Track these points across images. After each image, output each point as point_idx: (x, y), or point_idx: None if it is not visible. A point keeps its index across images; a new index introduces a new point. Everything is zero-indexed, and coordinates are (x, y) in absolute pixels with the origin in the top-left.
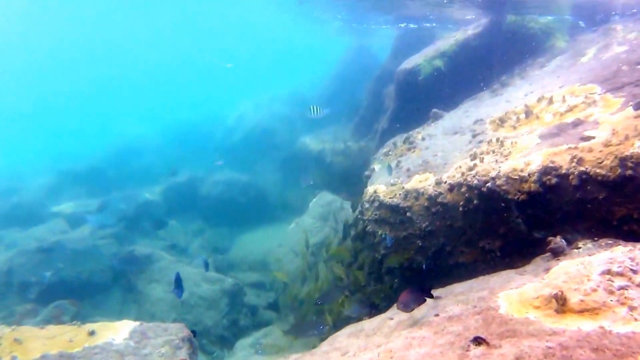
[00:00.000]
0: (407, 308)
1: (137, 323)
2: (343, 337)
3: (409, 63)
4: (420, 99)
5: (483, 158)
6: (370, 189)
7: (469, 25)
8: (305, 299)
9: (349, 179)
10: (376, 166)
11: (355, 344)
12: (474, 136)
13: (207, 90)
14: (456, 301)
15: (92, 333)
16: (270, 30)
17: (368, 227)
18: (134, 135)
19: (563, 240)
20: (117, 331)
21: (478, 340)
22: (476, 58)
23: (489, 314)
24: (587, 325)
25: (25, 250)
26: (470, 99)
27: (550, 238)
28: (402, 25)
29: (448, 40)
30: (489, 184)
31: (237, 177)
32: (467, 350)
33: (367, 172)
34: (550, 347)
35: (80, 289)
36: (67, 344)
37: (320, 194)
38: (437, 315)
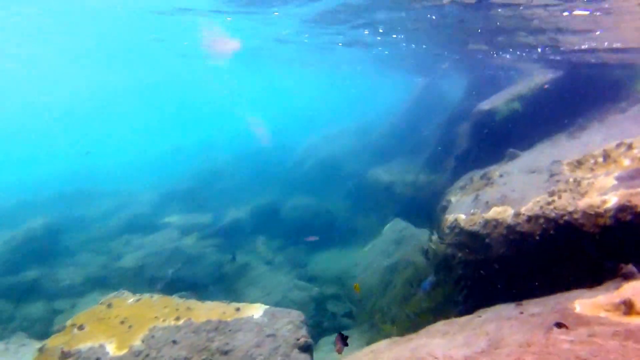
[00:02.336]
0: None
1: (268, 306)
2: (439, 326)
3: (486, 104)
4: (495, 138)
5: (561, 195)
6: (450, 217)
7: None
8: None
9: (419, 209)
10: (452, 198)
11: (451, 330)
12: (551, 175)
13: (278, 122)
14: (535, 304)
15: (238, 310)
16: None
17: (448, 250)
18: (219, 160)
19: (634, 267)
20: (255, 310)
21: (559, 324)
22: (554, 101)
23: (565, 312)
24: None
25: (154, 252)
26: (547, 140)
27: (621, 265)
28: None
29: (526, 84)
30: (566, 217)
31: (310, 203)
32: (550, 330)
33: (443, 203)
34: (617, 330)
35: (192, 285)
36: (221, 315)
37: (394, 221)
38: (521, 313)
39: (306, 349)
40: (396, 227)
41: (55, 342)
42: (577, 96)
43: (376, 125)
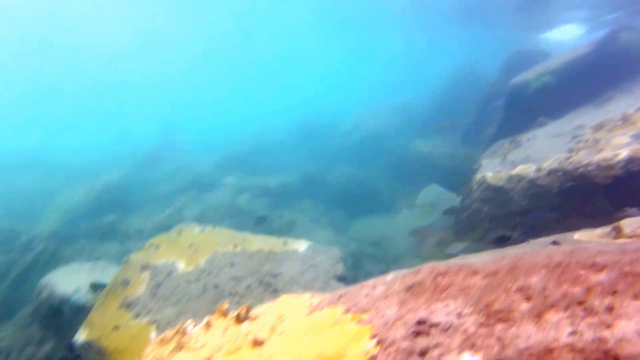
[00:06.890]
0: None
1: (311, 243)
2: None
3: (519, 78)
4: (527, 110)
5: (579, 151)
6: (478, 175)
7: None
8: None
9: (456, 177)
10: (483, 161)
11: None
12: (573, 137)
13: (327, 97)
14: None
15: (285, 243)
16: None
17: (474, 205)
18: (273, 129)
19: (638, 210)
20: (300, 245)
21: (555, 242)
22: (584, 74)
23: (564, 238)
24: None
25: (212, 205)
26: (575, 111)
27: (626, 208)
28: None
29: (559, 59)
30: (581, 170)
31: (355, 172)
32: (546, 246)
33: (475, 166)
34: (601, 244)
35: None
36: (272, 247)
37: (430, 186)
38: (527, 242)
39: (342, 279)
40: (432, 191)
41: (136, 257)
42: (608, 69)
43: (418, 103)
